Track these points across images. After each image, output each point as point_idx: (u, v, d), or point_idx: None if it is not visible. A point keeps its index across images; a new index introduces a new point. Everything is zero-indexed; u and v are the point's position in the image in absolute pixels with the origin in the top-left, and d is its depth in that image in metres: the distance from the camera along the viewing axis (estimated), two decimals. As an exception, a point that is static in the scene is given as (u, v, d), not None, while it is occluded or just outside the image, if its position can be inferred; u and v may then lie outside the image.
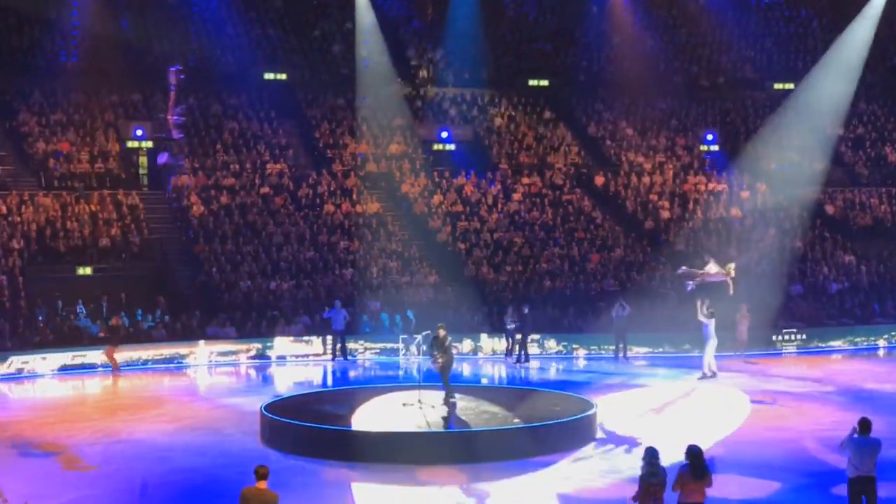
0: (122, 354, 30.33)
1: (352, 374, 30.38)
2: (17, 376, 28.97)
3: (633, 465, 18.04)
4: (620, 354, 31.82)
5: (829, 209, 42.00)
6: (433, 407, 21.03)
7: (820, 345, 33.86)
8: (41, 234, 34.50)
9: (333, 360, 31.70)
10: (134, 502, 17.19)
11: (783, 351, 33.37)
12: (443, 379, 21.21)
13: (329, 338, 31.87)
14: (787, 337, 33.74)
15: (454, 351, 22.93)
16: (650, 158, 43.78)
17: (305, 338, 32.01)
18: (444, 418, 20.35)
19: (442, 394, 21.49)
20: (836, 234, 40.35)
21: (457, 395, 21.78)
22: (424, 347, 22.33)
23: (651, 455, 12.95)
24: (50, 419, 23.15)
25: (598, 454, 19.01)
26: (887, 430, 17.94)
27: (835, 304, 36.07)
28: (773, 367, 30.45)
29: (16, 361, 29.33)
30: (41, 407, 25.33)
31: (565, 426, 19.91)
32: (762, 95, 47.79)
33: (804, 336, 33.95)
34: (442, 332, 21.26)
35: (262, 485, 12.15)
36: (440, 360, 20.95)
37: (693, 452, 12.98)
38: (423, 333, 23.35)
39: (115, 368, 29.61)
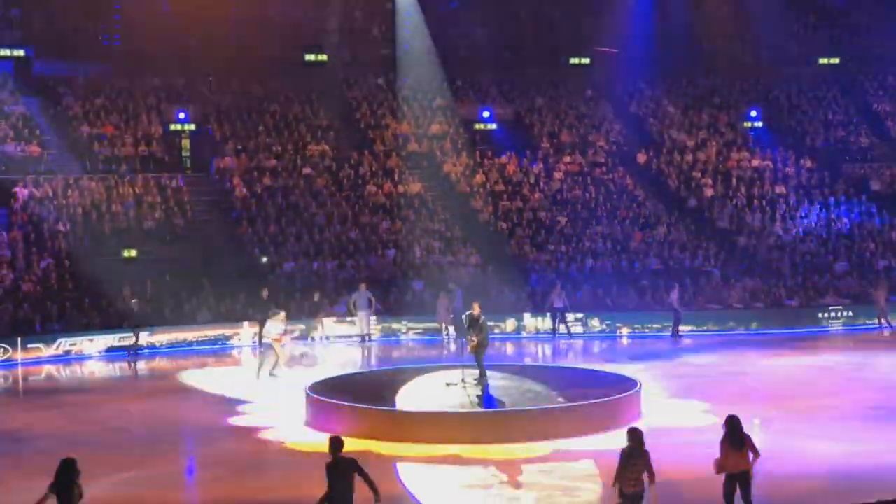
0: (168, 336, 30.65)
1: (395, 353, 30.42)
2: (65, 358, 29.27)
3: (676, 445, 17.95)
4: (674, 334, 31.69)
5: (876, 185, 41.44)
6: (475, 385, 20.93)
7: (867, 322, 33.44)
8: (86, 217, 34.75)
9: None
10: (184, 482, 17.34)
11: (829, 328, 33.02)
12: (477, 359, 20.90)
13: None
14: (833, 314, 33.37)
15: (492, 330, 22.63)
16: (693, 135, 43.39)
17: (349, 318, 32.01)
18: (480, 397, 20.22)
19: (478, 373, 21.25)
20: (883, 209, 39.79)
21: (497, 376, 21.62)
22: (466, 328, 22.06)
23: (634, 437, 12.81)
24: (100, 398, 23.36)
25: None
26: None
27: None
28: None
29: (64, 343, 29.63)
30: (91, 386, 25.59)
31: (609, 405, 19.78)
32: (806, 71, 47.22)
33: (851, 313, 33.54)
34: (477, 310, 20.93)
35: (340, 454, 12.07)
36: (475, 339, 20.57)
37: (730, 422, 12.96)
38: (465, 314, 23.22)
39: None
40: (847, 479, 15.92)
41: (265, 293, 31.01)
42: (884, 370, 25.67)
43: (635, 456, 12.52)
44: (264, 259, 32.63)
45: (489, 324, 21.86)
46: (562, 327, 32.07)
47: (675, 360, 27.71)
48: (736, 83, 46.37)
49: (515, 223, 37.48)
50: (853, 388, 23.35)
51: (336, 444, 12.09)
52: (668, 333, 31.97)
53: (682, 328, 32.35)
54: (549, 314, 32.42)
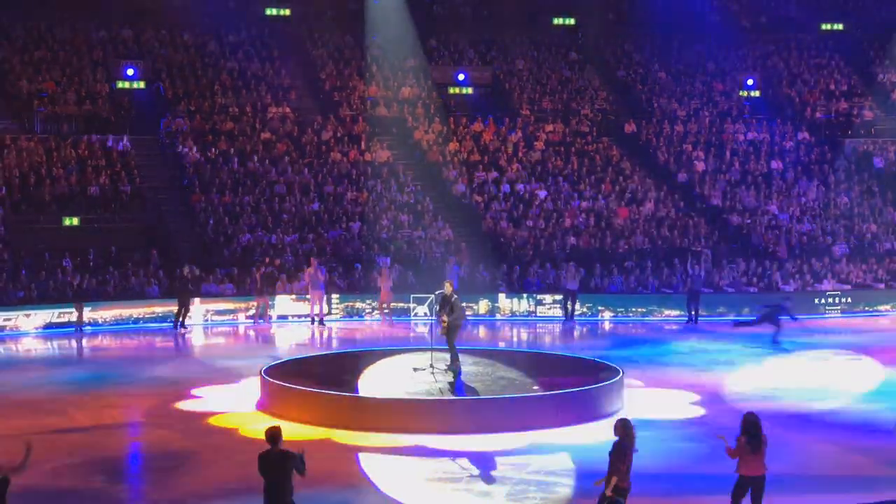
0: (112, 312, 30.55)
1: (359, 336, 30.45)
2: (-2, 334, 29.19)
3: (660, 438, 18.05)
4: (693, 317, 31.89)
5: (879, 161, 41.71)
6: (445, 371, 21.00)
7: (867, 308, 33.73)
8: (25, 181, 34.50)
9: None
10: (128, 469, 17.32)
11: (826, 315, 33.28)
12: (448, 342, 20.96)
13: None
14: (831, 300, 33.62)
15: (467, 312, 22.67)
16: (684, 105, 43.49)
17: (308, 296, 31.97)
18: (451, 384, 20.29)
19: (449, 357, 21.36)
20: (885, 188, 40.07)
21: (468, 361, 21.66)
22: (437, 308, 22.14)
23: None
24: (36, 381, 23.28)
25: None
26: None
27: (884, 265, 35.84)
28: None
29: (-2, 318, 29.51)
30: (25, 366, 25.46)
31: (588, 395, 19.88)
32: (808, 37, 47.37)
33: (849, 299, 33.82)
34: (449, 289, 20.99)
35: (279, 447, 12.02)
36: (446, 321, 20.64)
37: (749, 421, 12.97)
38: (436, 293, 23.29)
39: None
40: (843, 478, 16.08)
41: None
42: (883, 362, 25.88)
43: (628, 450, 12.62)
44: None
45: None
46: (570, 308, 32.12)
47: (661, 348, 27.86)
48: (731, 49, 46.45)
49: (491, 196, 37.50)
50: (850, 381, 23.54)
51: (273, 435, 12.05)
52: (657, 318, 32.13)
53: (669, 312, 32.62)
54: (562, 296, 32.53)
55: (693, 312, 31.77)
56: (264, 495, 11.82)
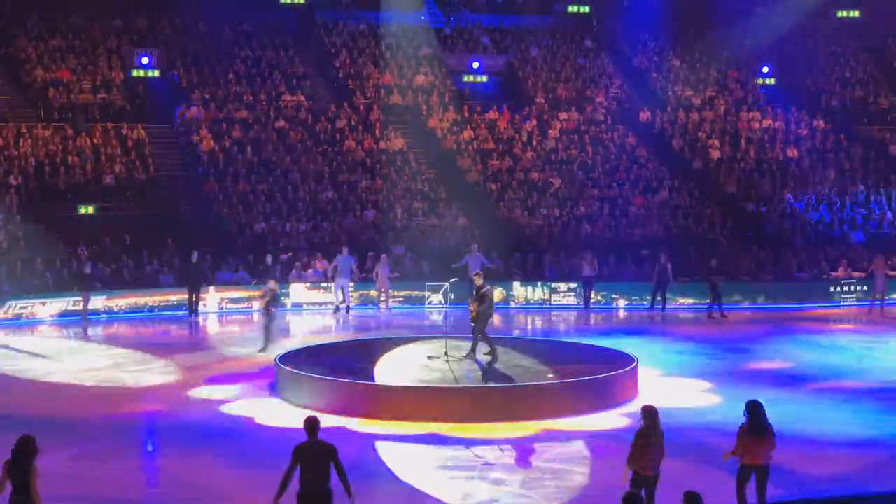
0: (127, 300, 30.61)
1: (373, 323, 30.46)
2: (15, 322, 29.17)
3: (675, 426, 18.02)
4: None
5: (895, 149, 41.54)
6: (461, 360, 21.00)
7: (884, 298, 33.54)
8: (40, 169, 34.56)
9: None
10: (144, 456, 17.37)
11: (842, 303, 33.16)
12: (474, 330, 21.06)
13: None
14: (846, 288, 33.49)
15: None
16: (700, 92, 43.34)
17: (324, 284, 32.00)
18: (486, 370, 20.33)
19: (468, 345, 21.41)
20: (902, 176, 39.94)
21: (483, 349, 21.63)
22: (451, 296, 22.16)
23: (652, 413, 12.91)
24: (52, 369, 23.34)
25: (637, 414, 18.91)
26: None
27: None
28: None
29: (14, 307, 29.51)
30: (43, 355, 25.52)
31: (603, 383, 19.84)
32: (824, 24, 47.17)
33: (865, 287, 33.65)
34: (479, 280, 21.18)
35: (314, 437, 12.05)
36: (474, 309, 20.81)
37: (752, 406, 12.92)
38: (451, 280, 23.34)
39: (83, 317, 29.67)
40: (859, 466, 16.04)
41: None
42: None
43: (652, 436, 12.58)
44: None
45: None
46: (586, 296, 32.19)
47: (676, 335, 27.81)
48: (747, 36, 46.27)
49: (505, 184, 37.45)
50: (866, 369, 23.48)
51: (313, 425, 12.10)
52: (672, 306, 32.11)
53: (683, 300, 32.58)
54: (579, 283, 32.57)
55: (660, 300, 31.76)
56: (302, 485, 11.79)
